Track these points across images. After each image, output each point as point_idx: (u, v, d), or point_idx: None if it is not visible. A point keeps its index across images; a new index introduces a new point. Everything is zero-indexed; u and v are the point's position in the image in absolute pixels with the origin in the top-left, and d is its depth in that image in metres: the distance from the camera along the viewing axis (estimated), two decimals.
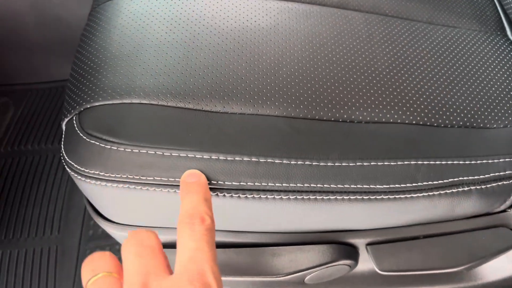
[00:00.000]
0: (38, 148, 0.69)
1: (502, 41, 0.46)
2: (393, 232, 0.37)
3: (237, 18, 0.40)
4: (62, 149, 0.35)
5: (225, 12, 0.41)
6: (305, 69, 0.38)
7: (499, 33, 0.48)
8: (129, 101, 0.34)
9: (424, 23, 0.46)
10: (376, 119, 0.36)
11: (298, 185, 0.30)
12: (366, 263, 0.38)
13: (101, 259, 0.24)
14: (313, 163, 0.31)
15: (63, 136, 0.36)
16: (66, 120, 0.36)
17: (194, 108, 0.34)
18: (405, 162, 0.33)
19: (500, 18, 0.49)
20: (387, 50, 0.41)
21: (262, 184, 0.30)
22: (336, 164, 0.32)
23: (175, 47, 0.37)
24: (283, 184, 0.30)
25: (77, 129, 0.34)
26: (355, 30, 0.42)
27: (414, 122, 0.37)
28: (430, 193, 0.33)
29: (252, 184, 0.30)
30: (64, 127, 0.36)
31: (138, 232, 0.25)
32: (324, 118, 0.36)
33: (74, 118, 0.35)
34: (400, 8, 0.46)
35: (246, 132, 0.33)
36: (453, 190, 0.34)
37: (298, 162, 0.31)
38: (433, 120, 0.38)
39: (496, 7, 0.50)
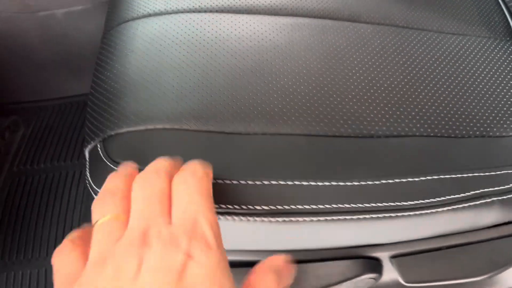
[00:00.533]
0: (51, 166, 0.70)
1: (511, 47, 0.47)
2: (416, 244, 0.37)
3: (252, 38, 0.41)
4: (88, 176, 0.35)
5: (240, 31, 0.41)
6: (322, 86, 0.38)
7: (508, 38, 0.48)
8: (152, 127, 0.34)
9: (435, 32, 0.46)
10: (395, 133, 0.37)
11: (326, 206, 0.31)
12: (390, 275, 0.38)
13: (111, 200, 0.25)
14: (340, 183, 0.32)
15: (87, 163, 0.36)
16: (90, 147, 0.36)
17: (217, 130, 0.35)
18: (428, 178, 0.34)
19: (508, 23, 0.50)
20: (401, 62, 0.42)
21: (291, 207, 0.30)
22: (361, 183, 0.32)
23: (194, 69, 0.38)
24: (312, 206, 0.31)
25: (102, 156, 0.34)
26: (368, 43, 0.43)
27: (432, 134, 0.38)
28: (454, 207, 0.34)
29: (281, 207, 0.30)
30: (87, 154, 0.37)
31: (148, 174, 0.26)
32: (344, 134, 0.36)
33: (98, 146, 0.35)
34: (410, 18, 0.47)
35: (270, 153, 0.33)
36: (476, 202, 0.34)
37: (325, 183, 0.31)
38: (450, 131, 0.38)
39: (503, 12, 0.51)
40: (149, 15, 0.43)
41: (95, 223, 0.24)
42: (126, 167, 0.28)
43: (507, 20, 0.50)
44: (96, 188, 0.34)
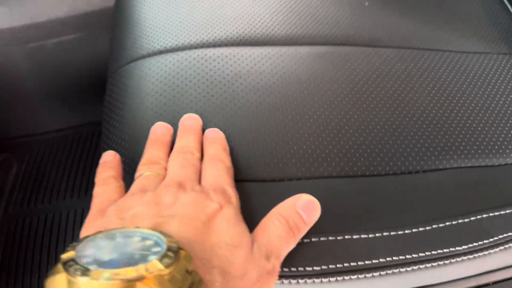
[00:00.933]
0: (50, 206, 0.66)
1: None
2: (465, 283, 0.35)
3: (273, 72, 0.38)
4: None
5: (260, 66, 0.39)
6: (353, 121, 0.36)
7: None
8: None
9: (456, 52, 0.44)
10: (433, 166, 0.35)
11: (380, 260, 0.29)
12: None
13: (156, 163, 0.30)
14: (391, 233, 0.30)
15: None
16: None
17: (249, 178, 0.32)
18: (478, 217, 0.32)
19: None
20: (429, 88, 0.40)
21: (344, 265, 0.28)
22: (413, 230, 0.30)
23: (217, 111, 0.35)
24: (366, 262, 0.28)
25: None
26: (392, 69, 0.41)
27: (469, 165, 0.36)
28: (506, 246, 0.32)
29: (334, 267, 0.28)
30: None
31: (186, 149, 0.31)
32: (383, 172, 0.34)
33: None
34: (430, 39, 0.45)
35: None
36: None
37: (377, 235, 0.29)
38: (487, 160, 0.36)
39: None
40: (160, 53, 0.40)
41: (138, 176, 0.29)
42: (162, 135, 0.33)
43: None
44: None
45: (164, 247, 0.19)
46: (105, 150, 0.36)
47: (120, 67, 0.41)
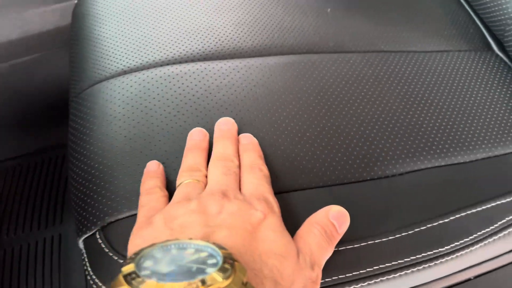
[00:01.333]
0: (21, 236, 0.62)
1: (490, 57, 0.47)
2: (448, 280, 0.36)
3: (243, 85, 0.38)
4: (90, 271, 0.31)
5: (229, 80, 0.38)
6: (327, 129, 0.36)
7: (486, 48, 0.48)
8: None
9: (420, 52, 0.45)
10: (408, 168, 0.35)
11: (367, 270, 0.28)
12: None
13: (197, 170, 0.30)
14: (376, 241, 0.30)
15: (84, 254, 0.32)
16: (85, 236, 0.31)
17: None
18: (457, 216, 0.32)
19: (483, 33, 0.50)
20: (397, 90, 0.40)
21: (333, 278, 0.28)
22: (397, 236, 0.30)
23: (189, 130, 0.34)
24: (353, 273, 0.28)
25: (105, 248, 0.30)
26: (360, 74, 0.41)
27: (442, 164, 0.36)
28: (485, 242, 0.33)
29: (322, 280, 0.28)
30: (82, 244, 0.32)
31: (226, 157, 0.31)
32: (360, 179, 0.34)
33: (97, 235, 0.30)
34: (393, 41, 0.46)
35: (295, 215, 0.30)
36: (504, 233, 0.33)
37: (361, 244, 0.29)
38: (459, 157, 0.37)
39: (477, 23, 0.51)
40: (124, 73, 0.39)
41: (179, 184, 0.30)
42: (200, 141, 0.33)
43: (481, 31, 0.50)
44: (102, 285, 0.30)
45: (220, 259, 0.20)
46: (74, 179, 0.35)
47: (82, 90, 0.39)
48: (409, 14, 0.49)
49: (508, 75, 0.44)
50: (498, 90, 0.43)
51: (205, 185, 0.29)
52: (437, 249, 0.31)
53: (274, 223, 0.26)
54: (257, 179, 0.30)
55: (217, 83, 0.37)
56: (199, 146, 0.33)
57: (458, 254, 0.32)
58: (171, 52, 0.40)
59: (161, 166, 0.32)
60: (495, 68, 0.45)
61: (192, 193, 0.28)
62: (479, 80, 0.43)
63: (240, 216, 0.26)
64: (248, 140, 0.34)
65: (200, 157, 0.32)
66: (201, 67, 0.38)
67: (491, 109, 0.41)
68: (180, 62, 0.39)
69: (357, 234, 0.30)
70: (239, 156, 0.32)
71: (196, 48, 0.40)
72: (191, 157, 0.32)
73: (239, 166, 0.31)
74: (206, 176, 0.30)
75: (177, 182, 0.30)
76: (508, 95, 0.42)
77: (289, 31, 0.44)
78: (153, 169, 0.32)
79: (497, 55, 0.47)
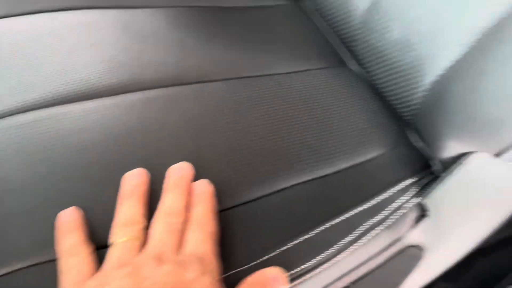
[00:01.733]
0: None
1: (344, 72, 0.50)
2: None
3: (100, 127, 0.36)
4: None
5: (82, 122, 0.36)
6: (195, 160, 0.36)
7: (341, 64, 0.52)
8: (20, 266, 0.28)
9: (281, 74, 0.47)
10: (274, 188, 0.36)
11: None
12: None
13: (134, 224, 0.29)
14: (244, 267, 0.30)
15: None
16: None
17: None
18: (321, 229, 0.34)
19: (337, 51, 0.54)
20: (259, 113, 0.41)
21: None
22: (264, 258, 0.31)
23: (41, 184, 0.32)
24: None
25: None
26: (220, 101, 0.41)
27: (309, 178, 0.38)
28: (351, 249, 0.34)
29: None
30: None
31: (172, 211, 0.30)
32: (230, 205, 0.34)
33: None
34: (255, 66, 0.47)
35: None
36: (364, 240, 0.35)
37: (232, 272, 0.29)
38: (324, 170, 0.39)
39: (330, 43, 0.55)
40: None
41: (114, 242, 0.28)
42: (137, 185, 0.31)
43: (335, 49, 0.54)
44: None
45: None
46: None
47: None
48: (270, 39, 0.52)
49: (359, 87, 0.48)
50: (354, 102, 0.46)
51: (143, 242, 0.28)
52: (304, 264, 0.31)
53: (205, 284, 0.26)
54: (201, 237, 0.29)
55: (69, 129, 0.35)
56: (136, 193, 0.30)
57: (325, 266, 0.33)
58: (15, 101, 0.37)
59: (78, 211, 0.30)
60: (348, 81, 0.48)
61: (127, 257, 0.27)
62: (336, 94, 0.46)
63: (175, 276, 0.25)
64: (202, 189, 0.33)
65: (136, 206, 0.30)
66: (51, 113, 0.36)
67: (350, 120, 0.44)
68: (26, 110, 0.36)
69: (229, 262, 0.30)
70: (190, 206, 0.31)
71: (43, 94, 0.37)
72: (127, 207, 0.30)
73: (186, 220, 0.30)
74: (147, 227, 0.29)
75: (110, 240, 0.28)
76: (360, 105, 0.45)
77: (149, 65, 0.43)
78: (69, 219, 0.29)
79: (350, 70, 0.51)
